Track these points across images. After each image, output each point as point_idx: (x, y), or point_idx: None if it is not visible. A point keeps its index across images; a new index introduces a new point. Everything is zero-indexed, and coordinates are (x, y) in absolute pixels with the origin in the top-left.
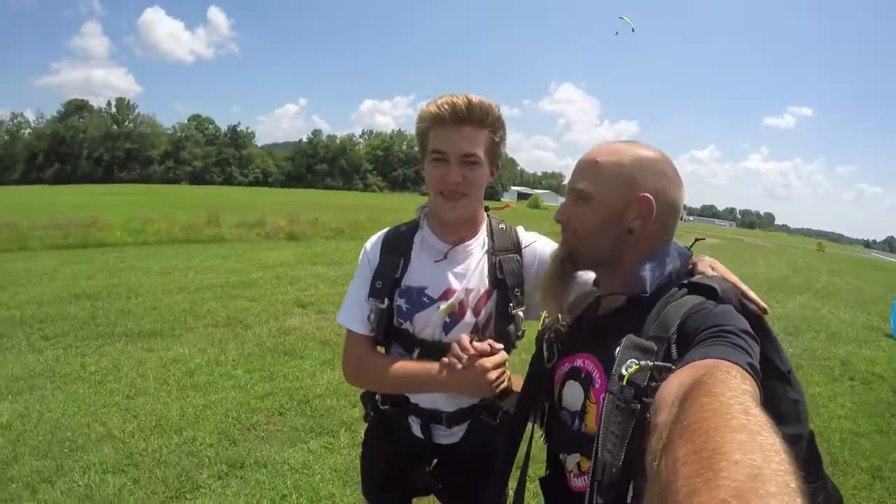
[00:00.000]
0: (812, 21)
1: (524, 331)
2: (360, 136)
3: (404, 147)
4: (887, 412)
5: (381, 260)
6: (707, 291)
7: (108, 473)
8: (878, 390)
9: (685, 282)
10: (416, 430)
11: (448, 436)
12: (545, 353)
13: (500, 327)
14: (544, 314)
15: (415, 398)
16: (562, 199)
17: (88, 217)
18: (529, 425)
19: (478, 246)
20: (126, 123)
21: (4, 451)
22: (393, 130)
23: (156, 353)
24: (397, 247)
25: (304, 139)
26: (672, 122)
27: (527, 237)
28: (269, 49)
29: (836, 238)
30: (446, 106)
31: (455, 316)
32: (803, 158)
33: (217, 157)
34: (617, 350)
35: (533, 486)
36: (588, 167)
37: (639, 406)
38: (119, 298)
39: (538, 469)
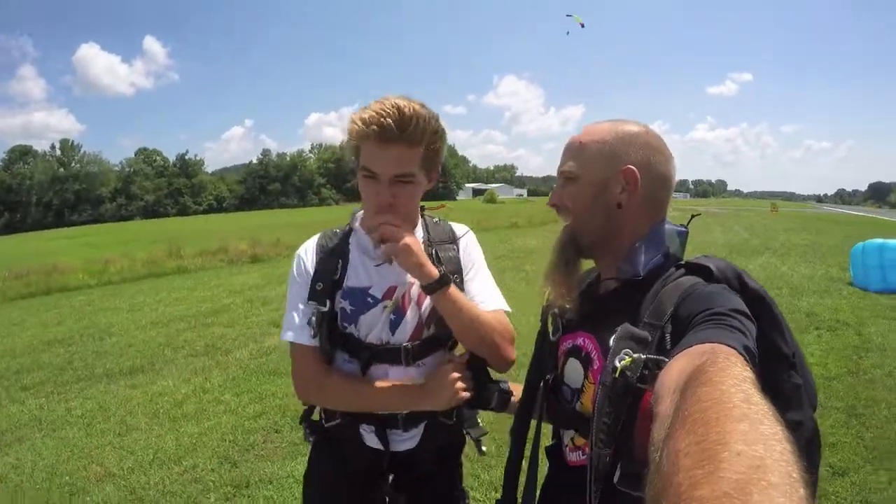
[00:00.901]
0: None
1: None
2: (310, 151)
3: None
4: (855, 354)
5: (318, 263)
6: (703, 271)
7: None
8: (843, 335)
9: (682, 262)
10: (371, 439)
11: (405, 440)
12: (550, 327)
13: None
14: (548, 291)
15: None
16: (517, 191)
17: (47, 263)
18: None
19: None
20: (72, 164)
21: None
22: (342, 141)
23: (140, 388)
24: (333, 249)
25: (255, 160)
26: (617, 102)
27: (459, 229)
28: (208, 73)
29: (789, 197)
30: (374, 126)
31: (399, 312)
32: (749, 123)
33: (168, 189)
34: (612, 339)
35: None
36: (573, 148)
37: (630, 399)
38: (93, 340)
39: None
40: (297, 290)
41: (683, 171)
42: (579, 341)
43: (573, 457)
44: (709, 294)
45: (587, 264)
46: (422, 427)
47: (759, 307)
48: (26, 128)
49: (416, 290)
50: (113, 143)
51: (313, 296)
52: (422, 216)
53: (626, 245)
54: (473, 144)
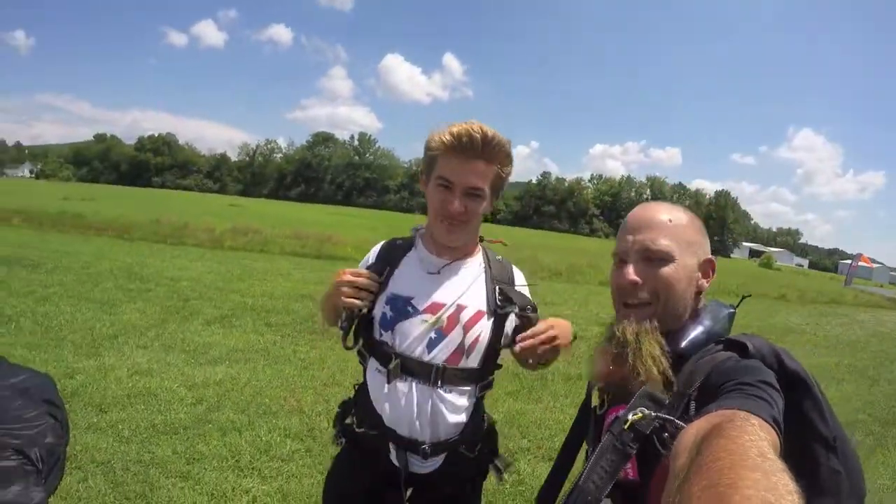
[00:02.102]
0: None
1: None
2: (589, 181)
3: (633, 194)
4: None
5: (373, 264)
6: (739, 347)
7: (289, 438)
8: None
9: (722, 339)
10: (393, 456)
11: (424, 466)
12: (596, 401)
13: (490, 351)
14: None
15: (389, 421)
16: (797, 260)
17: (325, 233)
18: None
19: (474, 266)
20: (367, 155)
21: (211, 400)
22: (622, 176)
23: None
24: (389, 256)
25: (534, 180)
26: None
27: (519, 276)
28: (501, 92)
29: None
30: (464, 137)
31: (442, 331)
32: None
33: None
34: (633, 397)
35: None
36: (661, 225)
37: (633, 451)
38: None
39: None
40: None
41: None
42: (621, 412)
43: None
44: (739, 367)
45: None
46: (442, 457)
47: (798, 386)
48: (331, 118)
49: (466, 314)
50: (405, 143)
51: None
52: (483, 248)
53: (680, 322)
54: (758, 201)
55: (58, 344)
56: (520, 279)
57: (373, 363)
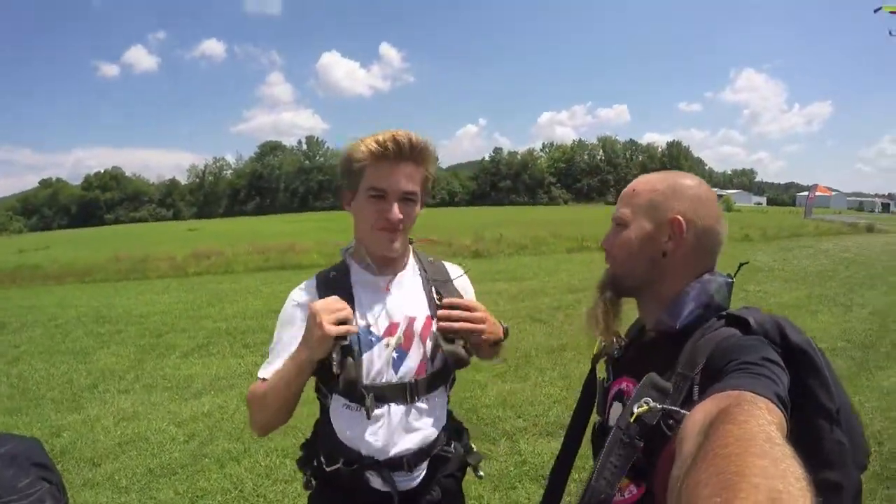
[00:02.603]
0: None
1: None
2: (542, 150)
3: (586, 157)
4: None
5: None
6: (741, 323)
7: (287, 458)
8: None
9: (723, 313)
10: (377, 483)
11: (412, 480)
12: (602, 374)
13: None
14: (599, 340)
15: (369, 451)
16: (755, 198)
17: (286, 242)
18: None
19: (412, 274)
20: (317, 158)
21: (203, 433)
22: (573, 140)
23: None
24: (340, 293)
25: (487, 157)
26: (871, 101)
27: (453, 270)
28: (442, 75)
29: None
30: (390, 143)
31: (402, 348)
32: None
33: None
34: (636, 387)
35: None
36: (627, 196)
37: (641, 443)
38: None
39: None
40: (294, 332)
41: None
42: (623, 385)
43: (617, 496)
44: (741, 345)
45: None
46: (425, 464)
47: (801, 359)
48: (276, 125)
49: (419, 324)
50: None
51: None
52: (413, 251)
53: (668, 293)
54: (709, 146)
55: (38, 403)
56: (454, 272)
57: (337, 401)
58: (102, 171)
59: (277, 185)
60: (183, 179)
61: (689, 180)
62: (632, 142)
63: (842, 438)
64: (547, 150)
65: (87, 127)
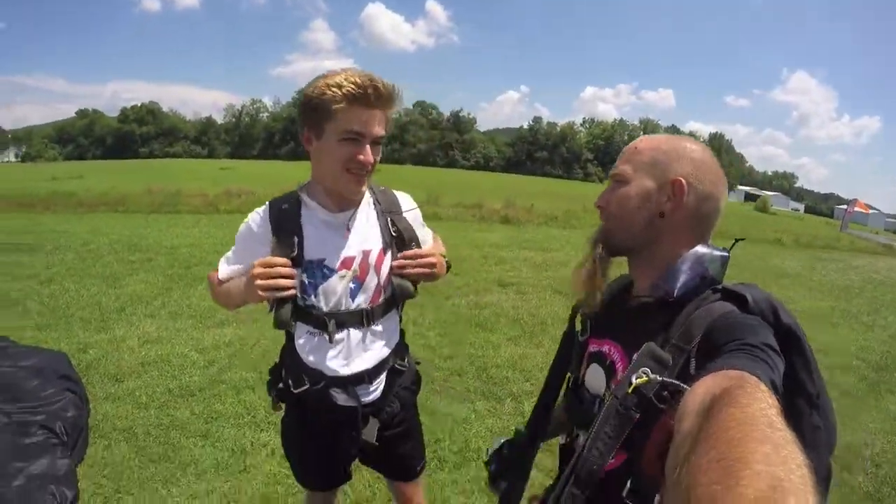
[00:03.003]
0: None
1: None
2: (581, 125)
3: (626, 137)
4: None
5: (276, 240)
6: (738, 299)
7: None
8: None
9: (719, 287)
10: (342, 399)
11: (372, 392)
12: (578, 327)
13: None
14: (577, 289)
15: (333, 371)
16: (793, 204)
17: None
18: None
19: (367, 207)
20: None
21: (222, 361)
22: (615, 119)
23: None
24: (284, 224)
25: (525, 126)
26: None
27: (405, 201)
28: (488, 38)
29: None
30: (369, 88)
31: (358, 279)
32: None
33: (440, 141)
34: (635, 354)
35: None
36: (629, 153)
37: (637, 415)
38: None
39: None
40: (247, 253)
41: None
42: (605, 348)
43: None
44: (742, 324)
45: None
46: (383, 377)
47: (791, 341)
48: (316, 72)
49: (373, 257)
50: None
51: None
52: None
53: (663, 257)
54: (753, 143)
55: (67, 322)
56: (406, 204)
57: (301, 327)
58: (139, 104)
59: None
60: (219, 118)
61: (694, 145)
62: (674, 128)
63: (818, 423)
64: (587, 125)
65: (125, 60)
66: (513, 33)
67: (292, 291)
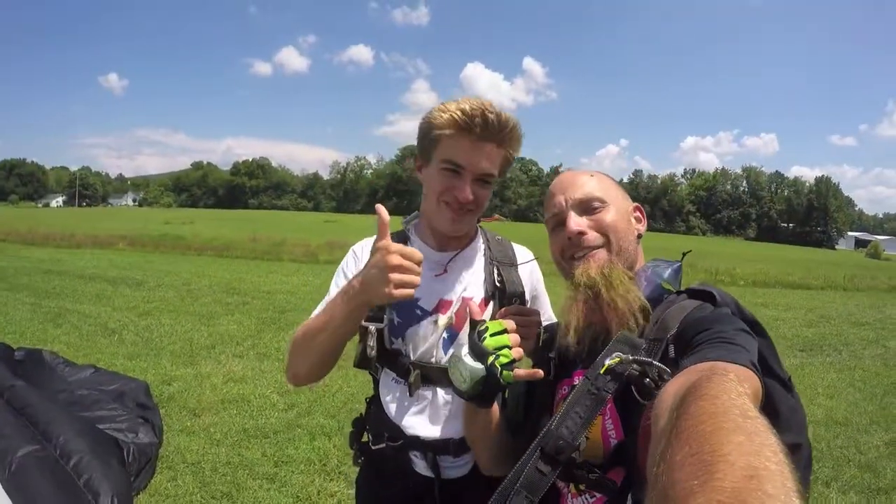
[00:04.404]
0: None
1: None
2: (683, 176)
3: (728, 187)
4: None
5: None
6: (706, 296)
7: None
8: None
9: (683, 289)
10: (421, 466)
11: (456, 468)
12: (548, 369)
13: None
14: (541, 331)
15: (413, 430)
16: None
17: None
18: None
19: (475, 254)
20: None
21: (302, 406)
22: (716, 169)
23: None
24: None
25: (626, 179)
26: None
27: (522, 254)
28: (586, 92)
29: None
30: (477, 117)
31: (454, 329)
32: None
33: (540, 197)
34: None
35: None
36: (584, 182)
37: (609, 394)
38: None
39: None
40: (347, 276)
41: None
42: (576, 381)
43: (577, 501)
44: (712, 317)
45: None
46: (471, 456)
47: (757, 330)
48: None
49: (473, 306)
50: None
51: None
52: (480, 228)
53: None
54: (862, 185)
55: (157, 354)
56: (522, 257)
57: (387, 374)
58: (250, 159)
59: (416, 188)
60: (325, 174)
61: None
62: (778, 174)
63: (794, 404)
64: (688, 176)
65: (239, 118)
66: (610, 85)
67: (412, 293)
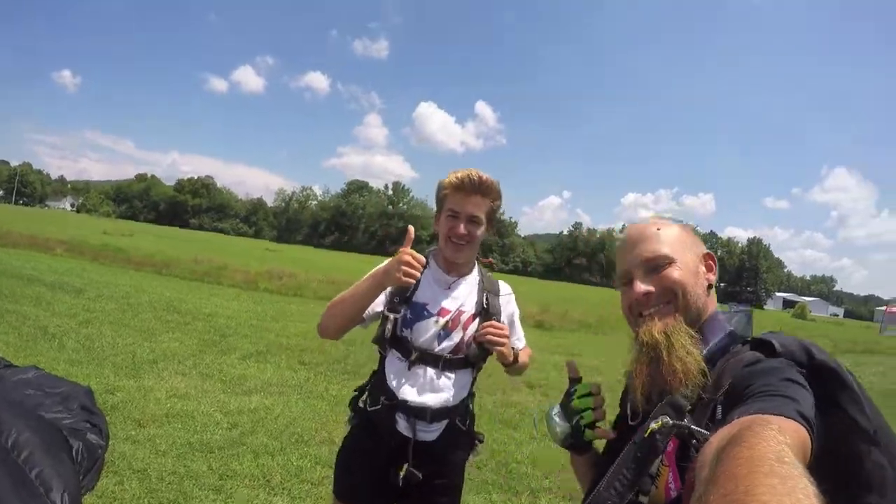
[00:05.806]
0: None
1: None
2: (621, 231)
3: None
4: None
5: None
6: (765, 346)
7: (320, 465)
8: None
9: (748, 338)
10: (403, 426)
11: (429, 433)
12: (629, 412)
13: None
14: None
15: (404, 395)
16: (832, 309)
17: (357, 278)
18: None
19: (473, 281)
20: (400, 204)
21: (245, 426)
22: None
23: None
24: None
25: (565, 232)
26: None
27: (504, 287)
28: (534, 141)
29: None
30: (465, 179)
31: (448, 328)
32: None
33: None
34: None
35: None
36: (651, 237)
37: (653, 458)
38: (368, 348)
39: None
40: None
41: None
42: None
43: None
44: (764, 369)
45: None
46: (443, 424)
47: (830, 377)
48: (367, 166)
49: (464, 317)
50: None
51: (391, 307)
52: (478, 262)
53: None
54: (792, 247)
55: (99, 363)
56: (504, 290)
57: (393, 354)
58: (196, 177)
59: (358, 224)
60: (270, 201)
61: (678, 221)
62: (712, 234)
63: (881, 460)
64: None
65: (188, 133)
66: (558, 137)
67: (412, 281)
